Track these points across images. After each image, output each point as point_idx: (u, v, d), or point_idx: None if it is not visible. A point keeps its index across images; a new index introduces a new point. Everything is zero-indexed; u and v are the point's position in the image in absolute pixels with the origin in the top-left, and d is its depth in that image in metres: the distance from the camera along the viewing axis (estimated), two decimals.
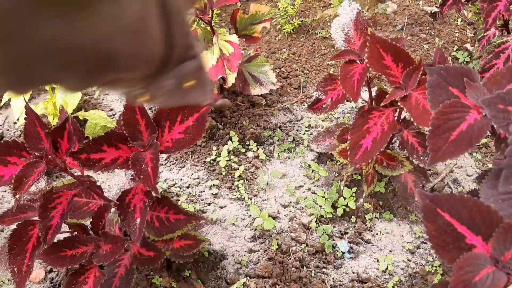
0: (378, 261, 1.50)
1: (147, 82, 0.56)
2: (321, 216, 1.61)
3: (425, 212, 0.95)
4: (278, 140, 1.86)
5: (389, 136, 1.40)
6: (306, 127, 1.90)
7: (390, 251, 1.55)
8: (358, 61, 1.50)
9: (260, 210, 1.61)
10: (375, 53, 1.41)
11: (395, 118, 1.43)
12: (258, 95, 1.96)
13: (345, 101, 1.66)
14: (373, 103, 1.56)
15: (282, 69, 2.16)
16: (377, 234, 1.59)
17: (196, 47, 0.56)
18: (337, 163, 1.76)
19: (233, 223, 1.61)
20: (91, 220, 1.19)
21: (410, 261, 1.52)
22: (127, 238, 1.18)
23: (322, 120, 1.94)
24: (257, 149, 1.82)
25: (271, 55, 2.24)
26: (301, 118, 1.95)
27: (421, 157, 1.46)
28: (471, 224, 0.93)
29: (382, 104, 1.41)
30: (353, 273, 1.48)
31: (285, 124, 1.93)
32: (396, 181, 1.59)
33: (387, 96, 1.40)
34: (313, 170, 1.74)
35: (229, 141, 1.83)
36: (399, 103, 1.38)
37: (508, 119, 0.87)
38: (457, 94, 1.10)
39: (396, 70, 1.42)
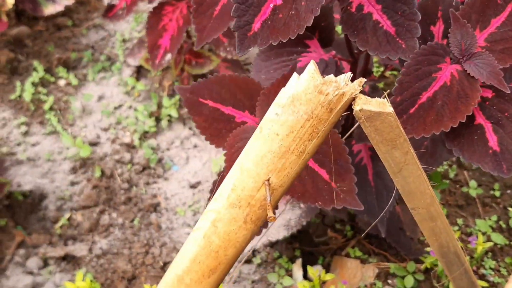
0: (206, 163, 1.46)
1: None
2: (146, 132, 1.51)
3: (189, 106, 0.88)
4: (91, 61, 1.70)
5: (185, 30, 1.30)
6: (121, 42, 1.75)
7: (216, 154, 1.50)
8: None
9: (75, 138, 1.48)
10: None
11: (190, 11, 1.32)
12: (62, 16, 1.75)
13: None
14: None
15: None
16: None
17: None
18: (158, 74, 1.64)
19: (49, 159, 1.47)
20: None
21: None
22: None
23: (139, 32, 1.79)
24: (68, 75, 1.65)
25: None
26: (115, 33, 1.78)
27: (227, 49, 1.39)
28: (235, 102, 0.87)
29: None
30: (184, 180, 1.43)
31: (97, 42, 1.76)
32: None
33: None
34: (132, 87, 1.62)
35: (34, 72, 1.63)
36: None
37: None
38: None
39: None
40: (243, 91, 0.88)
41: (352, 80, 1.03)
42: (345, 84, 0.56)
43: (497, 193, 1.29)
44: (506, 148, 0.70)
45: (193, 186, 1.39)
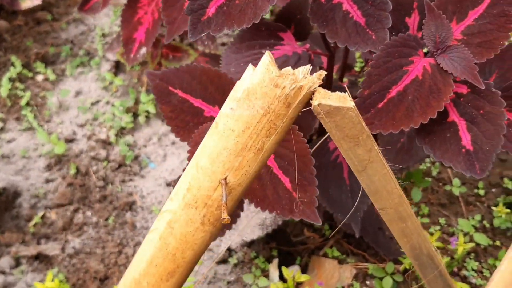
0: (184, 161, 1.42)
1: None
2: (122, 128, 1.48)
3: (157, 93, 0.84)
4: (70, 56, 1.65)
5: (161, 23, 1.26)
6: (100, 36, 1.71)
7: None
8: None
9: (50, 135, 1.44)
10: None
11: None
12: (42, 10, 1.71)
13: None
14: None
15: None
16: None
17: None
18: (137, 69, 1.60)
19: (24, 156, 1.43)
20: None
21: None
22: None
23: (118, 26, 1.74)
24: (46, 70, 1.60)
25: None
26: (95, 27, 1.74)
27: (205, 43, 1.35)
28: (205, 95, 0.83)
29: None
30: (161, 178, 1.39)
31: (77, 37, 1.72)
32: None
33: None
34: (110, 82, 1.58)
35: (12, 67, 1.59)
36: None
37: None
38: None
39: None
40: (214, 84, 0.84)
41: (328, 74, 0.99)
42: (303, 77, 0.52)
43: (481, 192, 1.26)
44: (480, 147, 0.67)
45: (169, 184, 1.36)
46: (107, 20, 1.76)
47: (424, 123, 0.65)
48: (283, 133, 0.56)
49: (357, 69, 1.43)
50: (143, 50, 1.26)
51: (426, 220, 1.20)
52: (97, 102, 1.55)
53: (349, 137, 0.55)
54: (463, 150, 0.68)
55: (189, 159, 0.79)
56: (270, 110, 0.53)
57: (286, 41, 0.94)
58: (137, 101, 1.51)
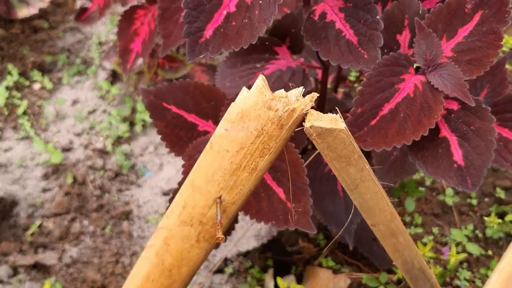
0: (180, 170, 1.43)
1: None
2: (119, 137, 1.49)
3: (152, 110, 0.85)
4: (67, 64, 1.66)
5: (157, 34, 1.27)
6: (97, 44, 1.72)
7: None
8: None
9: (47, 144, 1.45)
10: None
11: None
12: (39, 18, 1.72)
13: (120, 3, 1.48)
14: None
15: None
16: None
17: None
18: (133, 78, 1.61)
19: (21, 165, 1.43)
20: None
21: None
22: None
23: (115, 35, 1.75)
24: (43, 79, 1.61)
25: None
26: (92, 36, 1.75)
27: None
28: (199, 110, 0.84)
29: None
30: (157, 187, 1.40)
31: (74, 45, 1.73)
32: None
33: None
34: (107, 91, 1.59)
35: (9, 76, 1.59)
36: None
37: None
38: None
39: None
40: (208, 100, 0.86)
41: (322, 87, 1.00)
42: (295, 100, 0.54)
43: (474, 201, 1.28)
44: (471, 162, 0.68)
45: (166, 194, 1.37)
46: (103, 29, 1.77)
47: (416, 140, 0.67)
48: (277, 153, 0.57)
49: (352, 78, 1.45)
50: (140, 60, 1.28)
51: (419, 230, 1.22)
52: (94, 111, 1.56)
53: (341, 157, 0.56)
54: (455, 165, 0.70)
55: (183, 173, 0.80)
56: (263, 131, 0.54)
57: (281, 55, 0.96)
58: (133, 110, 1.52)
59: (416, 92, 0.70)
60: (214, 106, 0.82)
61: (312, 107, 0.54)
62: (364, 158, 0.57)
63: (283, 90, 0.54)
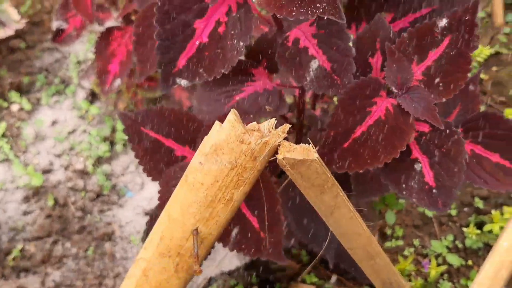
0: None
1: None
2: (100, 157, 1.48)
3: (130, 133, 0.85)
4: (45, 84, 1.65)
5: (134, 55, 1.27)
6: (75, 63, 1.71)
7: None
8: None
9: (26, 166, 1.43)
10: None
11: None
12: (15, 38, 1.71)
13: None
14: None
15: (45, 3, 1.90)
16: None
17: None
18: (113, 96, 1.61)
19: (1, 188, 1.42)
20: None
21: None
22: None
23: (94, 53, 1.75)
24: (21, 100, 1.60)
25: None
26: (69, 55, 1.74)
27: None
28: (176, 135, 0.85)
29: (119, 20, 1.27)
30: (139, 206, 1.40)
31: (52, 64, 1.72)
32: (170, 101, 1.49)
33: (120, 11, 1.26)
34: (86, 110, 1.58)
35: None
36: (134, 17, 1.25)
37: None
38: None
39: None
40: (185, 125, 0.86)
41: (300, 104, 1.01)
42: (268, 132, 0.54)
43: (454, 212, 1.29)
44: (442, 184, 0.70)
45: (148, 213, 1.36)
46: (82, 47, 1.77)
47: (388, 162, 0.68)
48: (251, 184, 0.58)
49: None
50: (118, 81, 1.28)
51: (400, 242, 1.23)
52: (74, 131, 1.55)
53: (314, 186, 0.57)
54: (426, 186, 0.71)
55: (159, 199, 0.80)
56: (237, 164, 0.55)
57: (257, 76, 0.96)
58: (113, 129, 1.52)
59: (388, 115, 0.71)
60: (190, 132, 0.82)
61: (284, 138, 0.55)
62: (338, 185, 0.58)
63: (255, 123, 0.55)
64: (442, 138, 0.71)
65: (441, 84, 0.73)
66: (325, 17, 0.59)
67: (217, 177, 0.56)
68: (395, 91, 0.72)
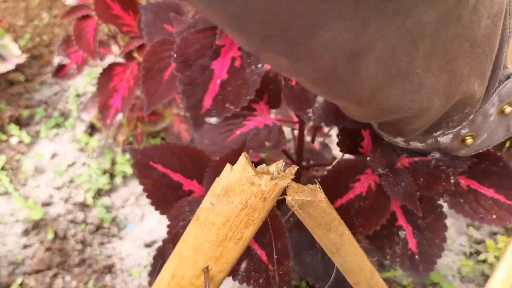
0: (162, 220, 1.44)
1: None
2: (100, 189, 1.49)
3: (139, 168, 0.87)
4: (44, 117, 1.67)
5: (136, 90, 1.31)
6: (74, 96, 1.73)
7: None
8: (93, 16, 1.36)
9: (26, 199, 1.44)
10: (101, 3, 1.28)
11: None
12: (14, 71, 1.73)
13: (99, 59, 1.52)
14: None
15: (43, 37, 1.93)
16: None
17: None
18: (112, 129, 1.63)
19: (0, 222, 1.42)
20: None
21: None
22: None
23: (93, 86, 1.78)
24: (21, 133, 1.62)
25: (29, 23, 1.99)
26: (69, 88, 1.77)
27: (180, 105, 1.40)
28: (184, 170, 0.87)
29: (121, 56, 1.30)
30: (139, 239, 1.40)
31: (51, 97, 1.74)
32: (169, 134, 1.52)
33: (122, 48, 1.29)
34: (86, 143, 1.60)
35: None
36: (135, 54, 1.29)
37: None
38: (171, 31, 1.03)
39: (128, 18, 1.31)
40: (192, 160, 0.88)
41: (300, 139, 1.04)
42: (276, 173, 0.57)
43: (449, 242, 1.32)
44: (424, 251, 0.73)
45: (148, 245, 1.37)
46: (81, 80, 1.80)
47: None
48: (261, 223, 0.60)
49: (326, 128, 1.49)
50: (120, 116, 1.30)
51: (398, 272, 1.25)
52: (73, 164, 1.56)
53: (321, 225, 0.59)
54: (409, 252, 0.74)
55: (168, 233, 0.82)
56: (247, 204, 0.57)
57: (259, 111, 0.99)
58: (113, 162, 1.54)
59: (369, 192, 0.73)
60: (198, 167, 0.85)
61: (292, 179, 0.57)
62: (344, 224, 0.61)
63: (264, 165, 0.57)
64: (425, 212, 0.74)
65: (426, 175, 0.74)
66: None
67: (228, 217, 0.58)
68: (381, 171, 0.73)
